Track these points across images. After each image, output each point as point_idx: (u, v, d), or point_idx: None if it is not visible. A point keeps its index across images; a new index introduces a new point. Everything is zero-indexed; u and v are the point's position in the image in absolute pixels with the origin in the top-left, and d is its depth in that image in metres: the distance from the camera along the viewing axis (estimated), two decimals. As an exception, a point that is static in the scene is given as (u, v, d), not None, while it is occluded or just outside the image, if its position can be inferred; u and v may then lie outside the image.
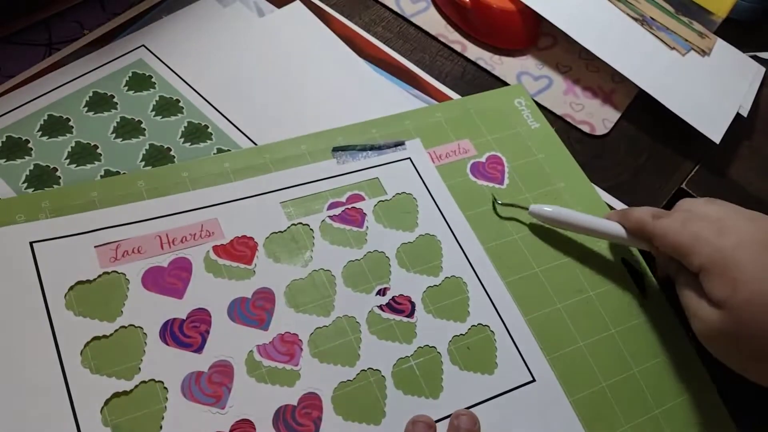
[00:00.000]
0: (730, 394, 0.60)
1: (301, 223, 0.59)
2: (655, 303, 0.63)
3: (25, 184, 0.60)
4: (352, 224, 0.61)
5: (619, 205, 0.72)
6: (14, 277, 0.52)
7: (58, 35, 0.71)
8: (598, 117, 0.79)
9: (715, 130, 0.77)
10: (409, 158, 0.66)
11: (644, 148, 0.78)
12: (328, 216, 0.60)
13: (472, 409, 0.54)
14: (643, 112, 0.81)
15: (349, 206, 0.61)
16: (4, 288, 0.51)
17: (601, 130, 0.78)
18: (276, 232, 0.58)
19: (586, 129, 0.77)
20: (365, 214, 0.61)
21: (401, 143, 0.67)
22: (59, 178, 0.61)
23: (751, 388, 0.53)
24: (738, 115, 0.80)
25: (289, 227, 0.59)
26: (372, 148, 0.66)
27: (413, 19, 0.82)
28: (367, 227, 0.61)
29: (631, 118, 0.80)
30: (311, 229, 0.59)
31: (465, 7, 0.80)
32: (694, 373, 0.61)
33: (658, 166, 0.77)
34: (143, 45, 0.71)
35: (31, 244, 0.53)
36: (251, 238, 0.58)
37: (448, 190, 0.64)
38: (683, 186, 0.76)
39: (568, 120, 0.77)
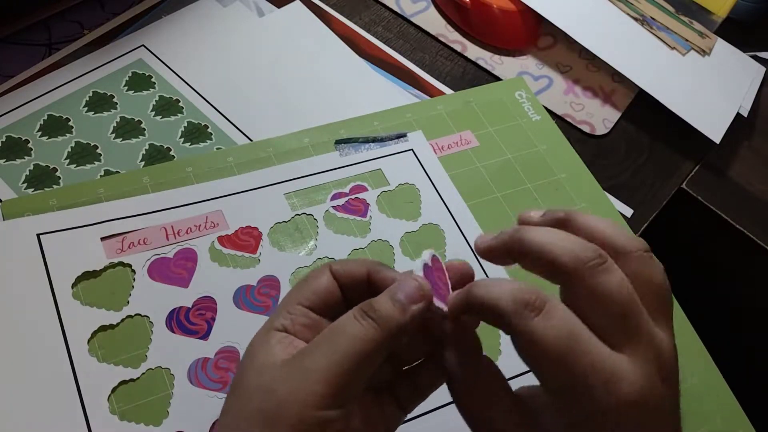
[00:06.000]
0: (737, 382, 0.62)
1: (305, 213, 0.62)
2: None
3: (25, 185, 0.62)
4: (356, 214, 0.64)
5: (619, 205, 0.74)
6: (22, 269, 0.55)
7: (58, 35, 0.74)
8: (598, 117, 0.81)
9: (715, 130, 0.80)
10: (412, 149, 0.69)
11: (644, 148, 0.81)
12: (332, 206, 0.63)
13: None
14: (643, 112, 0.83)
15: (353, 197, 0.64)
16: (12, 279, 0.54)
17: (601, 130, 0.80)
18: (280, 222, 0.61)
19: (586, 129, 0.80)
20: (368, 204, 0.64)
21: (403, 135, 0.70)
22: (59, 178, 0.63)
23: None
24: (738, 115, 0.83)
25: (293, 217, 0.62)
26: (374, 140, 0.69)
27: (413, 19, 0.85)
28: (371, 217, 0.64)
29: (631, 118, 0.83)
30: (315, 219, 0.62)
31: (465, 7, 0.83)
32: (698, 359, 0.63)
33: (658, 166, 0.80)
34: (143, 45, 0.74)
35: (38, 236, 0.56)
36: (255, 228, 0.61)
37: (450, 180, 0.67)
38: (683, 186, 0.78)
39: (568, 120, 0.80)
